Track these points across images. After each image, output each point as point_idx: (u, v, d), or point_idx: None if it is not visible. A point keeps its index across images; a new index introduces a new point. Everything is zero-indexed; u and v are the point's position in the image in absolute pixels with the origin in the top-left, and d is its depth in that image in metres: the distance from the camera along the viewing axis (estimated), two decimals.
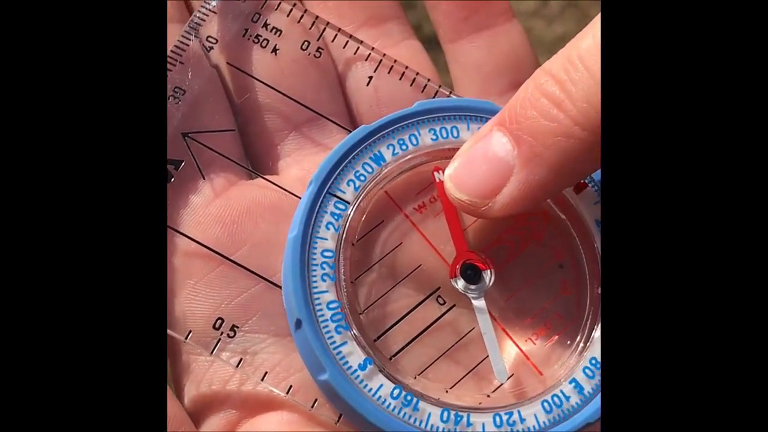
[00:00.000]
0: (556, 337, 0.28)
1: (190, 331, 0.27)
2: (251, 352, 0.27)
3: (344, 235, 0.27)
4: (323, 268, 0.26)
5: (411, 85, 0.30)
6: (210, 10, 0.29)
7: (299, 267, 0.26)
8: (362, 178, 0.28)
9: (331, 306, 0.26)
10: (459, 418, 0.26)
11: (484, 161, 0.25)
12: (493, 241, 0.29)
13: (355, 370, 0.26)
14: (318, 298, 0.26)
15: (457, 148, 0.27)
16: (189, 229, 0.28)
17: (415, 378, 0.27)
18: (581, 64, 0.24)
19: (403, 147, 0.28)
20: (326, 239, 0.27)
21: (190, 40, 0.29)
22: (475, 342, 0.28)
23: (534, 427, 0.26)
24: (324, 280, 0.26)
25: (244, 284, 0.27)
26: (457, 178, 0.26)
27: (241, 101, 0.29)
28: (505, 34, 0.31)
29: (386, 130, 0.28)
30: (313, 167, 0.28)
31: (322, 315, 0.26)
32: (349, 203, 0.27)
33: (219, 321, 0.27)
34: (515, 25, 0.31)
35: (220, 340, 0.27)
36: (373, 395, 0.26)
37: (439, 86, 0.30)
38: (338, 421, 0.27)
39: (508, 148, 0.25)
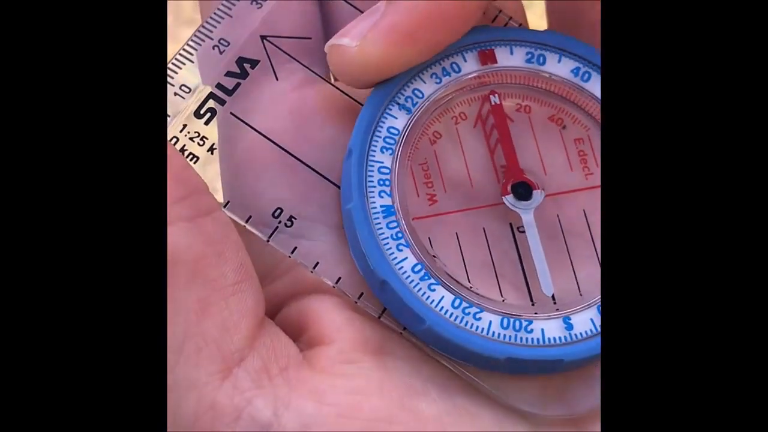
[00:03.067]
0: None
1: (250, 216, 0.28)
2: (305, 242, 0.28)
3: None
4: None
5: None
6: None
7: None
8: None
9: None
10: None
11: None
12: None
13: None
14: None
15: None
16: (256, 122, 0.29)
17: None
18: None
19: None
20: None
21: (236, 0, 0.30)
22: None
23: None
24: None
25: (305, 178, 0.29)
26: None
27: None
28: None
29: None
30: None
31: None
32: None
33: (278, 210, 0.28)
34: None
35: (277, 228, 0.28)
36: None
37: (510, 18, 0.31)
38: (381, 315, 0.28)
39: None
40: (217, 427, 0.25)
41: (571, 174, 0.30)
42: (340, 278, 0.28)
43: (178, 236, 0.26)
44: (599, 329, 0.27)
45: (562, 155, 0.30)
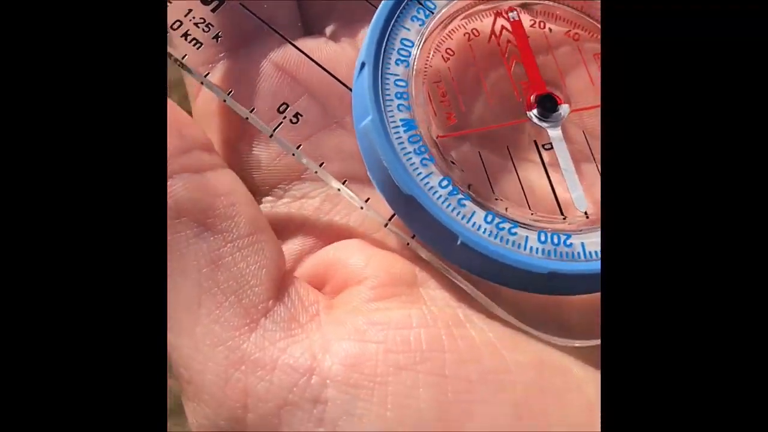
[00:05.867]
0: None
1: (253, 108, 0.27)
2: (312, 148, 0.27)
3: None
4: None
5: None
6: None
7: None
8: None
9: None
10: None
11: None
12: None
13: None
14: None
15: None
16: (265, 14, 0.28)
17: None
18: None
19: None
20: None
21: None
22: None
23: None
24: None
25: (314, 74, 0.27)
26: None
27: None
28: None
29: None
30: None
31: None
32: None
33: (284, 106, 0.27)
34: None
35: (282, 123, 0.27)
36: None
37: None
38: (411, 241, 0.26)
39: None
40: (251, 382, 0.23)
41: (593, 89, 0.28)
42: (345, 181, 0.26)
43: (181, 188, 0.24)
44: None
45: (582, 70, 0.28)
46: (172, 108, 0.25)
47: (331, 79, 0.27)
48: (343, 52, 0.28)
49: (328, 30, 0.29)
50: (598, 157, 0.27)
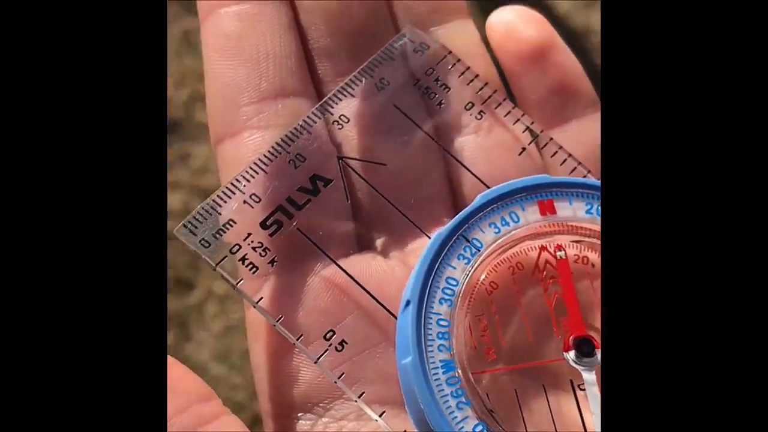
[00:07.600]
0: None
1: (300, 335, 0.28)
2: (354, 369, 0.28)
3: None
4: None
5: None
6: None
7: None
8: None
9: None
10: None
11: None
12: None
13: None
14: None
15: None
16: (321, 241, 0.29)
17: None
18: None
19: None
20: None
21: (318, 117, 0.31)
22: None
23: None
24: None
25: (362, 296, 0.28)
26: None
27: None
28: (593, 123, 0.33)
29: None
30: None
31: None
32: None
33: (330, 333, 0.28)
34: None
35: (327, 350, 0.28)
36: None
37: (579, 163, 0.31)
38: None
39: None
40: None
41: None
42: (384, 412, 0.27)
43: None
44: None
45: None
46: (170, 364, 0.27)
47: (380, 308, 0.28)
48: (392, 273, 0.29)
49: (379, 243, 0.30)
50: None
